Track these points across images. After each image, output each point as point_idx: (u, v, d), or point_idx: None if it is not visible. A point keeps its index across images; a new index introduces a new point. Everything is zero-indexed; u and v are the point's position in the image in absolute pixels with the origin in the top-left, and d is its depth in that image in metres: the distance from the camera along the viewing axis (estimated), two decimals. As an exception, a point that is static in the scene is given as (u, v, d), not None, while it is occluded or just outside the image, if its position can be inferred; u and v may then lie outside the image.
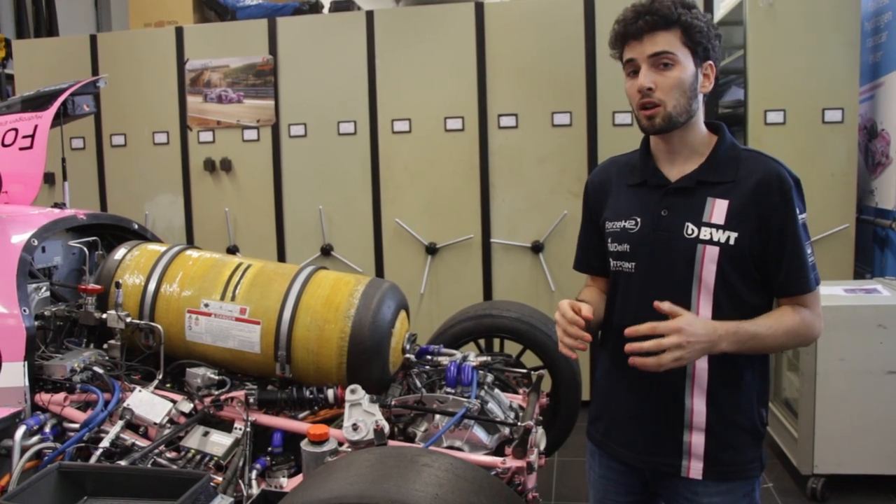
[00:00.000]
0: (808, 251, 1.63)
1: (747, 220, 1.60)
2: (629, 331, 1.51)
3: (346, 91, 4.53)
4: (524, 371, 2.75)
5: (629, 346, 1.50)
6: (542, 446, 2.25)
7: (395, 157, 4.51)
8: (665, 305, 1.52)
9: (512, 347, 3.10)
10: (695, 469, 1.67)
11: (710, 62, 1.66)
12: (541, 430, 2.27)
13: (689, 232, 1.63)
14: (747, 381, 1.68)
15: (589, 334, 1.58)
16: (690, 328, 1.49)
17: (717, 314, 1.62)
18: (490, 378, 2.50)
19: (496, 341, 3.26)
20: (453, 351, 2.75)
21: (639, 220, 1.71)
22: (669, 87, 1.60)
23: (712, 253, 1.61)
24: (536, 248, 4.35)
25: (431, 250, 4.46)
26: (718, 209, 1.62)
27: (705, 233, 1.62)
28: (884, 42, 4.13)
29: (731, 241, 1.60)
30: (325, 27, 4.58)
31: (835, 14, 4.05)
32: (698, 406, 1.66)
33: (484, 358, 2.64)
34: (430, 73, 4.44)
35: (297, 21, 4.65)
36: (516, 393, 2.64)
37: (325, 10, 4.96)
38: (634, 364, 1.50)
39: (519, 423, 2.15)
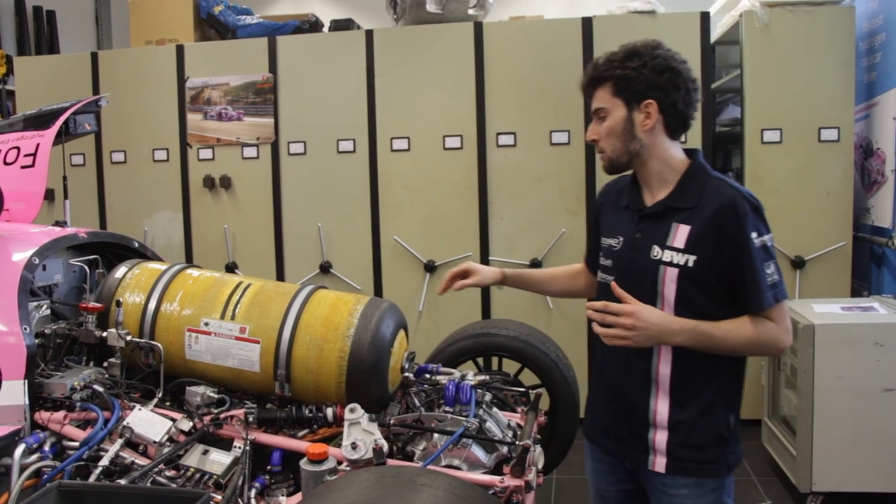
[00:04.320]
0: (768, 271, 1.75)
1: (706, 244, 1.76)
2: (588, 304, 1.80)
3: (345, 109, 4.56)
4: (522, 389, 2.76)
5: (589, 312, 1.78)
6: (541, 465, 2.25)
7: (395, 175, 4.54)
8: (618, 290, 1.76)
9: (510, 366, 3.10)
10: (659, 463, 1.85)
11: (650, 100, 1.80)
12: (539, 448, 2.27)
13: (655, 254, 1.82)
14: (711, 389, 1.84)
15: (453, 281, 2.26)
16: (642, 314, 1.71)
17: None
18: (488, 397, 2.50)
19: (494, 360, 3.27)
20: (452, 370, 2.75)
21: (621, 239, 1.91)
22: (605, 136, 1.87)
23: (672, 274, 1.79)
24: (535, 265, 4.37)
25: (430, 268, 4.48)
26: (681, 234, 1.79)
27: (667, 255, 1.80)
28: (878, 62, 4.17)
29: (690, 264, 1.77)
30: (324, 46, 4.61)
31: (830, 34, 4.10)
32: (661, 408, 1.85)
33: (482, 377, 2.65)
34: (430, 91, 4.47)
35: (297, 40, 4.69)
36: (514, 411, 2.64)
37: (325, 29, 5.00)
38: (597, 332, 1.76)
39: (517, 442, 2.14)
